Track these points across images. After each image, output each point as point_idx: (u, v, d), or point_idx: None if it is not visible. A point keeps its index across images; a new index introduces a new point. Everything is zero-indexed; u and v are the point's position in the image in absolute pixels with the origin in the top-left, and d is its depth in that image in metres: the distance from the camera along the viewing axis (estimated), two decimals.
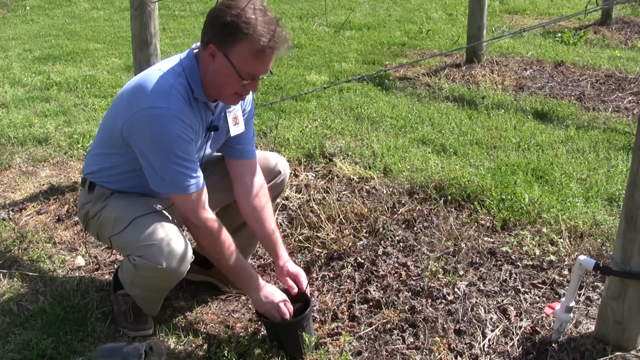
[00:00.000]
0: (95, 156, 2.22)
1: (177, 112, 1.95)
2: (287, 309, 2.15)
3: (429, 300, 2.39)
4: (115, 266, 2.69)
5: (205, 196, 2.08)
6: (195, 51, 2.05)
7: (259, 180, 2.31)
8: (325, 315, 2.36)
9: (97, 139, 2.23)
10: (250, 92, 2.26)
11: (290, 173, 3.34)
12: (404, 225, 2.96)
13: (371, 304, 2.40)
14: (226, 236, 2.12)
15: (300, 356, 2.11)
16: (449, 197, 3.15)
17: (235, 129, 2.23)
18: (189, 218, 2.09)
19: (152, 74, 2.01)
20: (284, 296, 2.17)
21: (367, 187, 3.31)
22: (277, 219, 2.92)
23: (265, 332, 2.22)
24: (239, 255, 2.16)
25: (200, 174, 2.06)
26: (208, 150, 2.25)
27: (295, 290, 2.20)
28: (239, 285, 2.27)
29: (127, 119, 1.99)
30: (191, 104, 2.02)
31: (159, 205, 2.19)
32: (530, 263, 2.63)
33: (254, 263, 2.74)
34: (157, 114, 1.93)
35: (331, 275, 2.61)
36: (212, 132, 2.19)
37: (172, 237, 2.05)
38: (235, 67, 1.94)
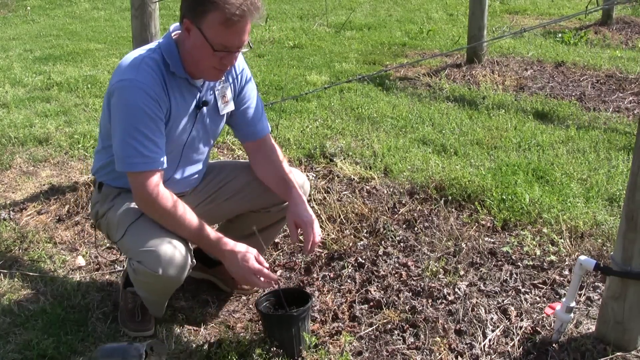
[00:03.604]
0: (98, 152, 2.24)
1: (142, 84, 1.94)
2: (263, 265, 2.04)
3: (430, 301, 2.39)
4: (117, 266, 2.70)
5: (160, 178, 2.00)
6: (175, 32, 2.07)
7: (273, 149, 2.30)
8: (326, 315, 2.35)
9: (99, 135, 2.23)
10: (245, 69, 2.23)
11: None
12: (404, 226, 2.96)
13: (372, 304, 2.40)
14: (182, 209, 2.01)
15: (292, 354, 2.10)
16: (450, 197, 3.15)
17: (225, 108, 2.21)
18: (138, 200, 2.02)
19: (130, 53, 2.05)
20: (255, 252, 2.06)
21: (367, 187, 3.31)
22: None
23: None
24: (199, 222, 2.03)
25: (159, 155, 1.98)
26: (200, 132, 2.18)
27: (309, 246, 2.11)
28: (210, 251, 2.15)
29: (105, 99, 2.03)
30: (164, 78, 2.00)
31: None
32: (531, 263, 2.63)
33: None
34: (124, 85, 1.95)
35: (332, 276, 2.61)
36: (204, 109, 2.14)
37: (171, 243, 2.01)
38: (208, 39, 1.92)
